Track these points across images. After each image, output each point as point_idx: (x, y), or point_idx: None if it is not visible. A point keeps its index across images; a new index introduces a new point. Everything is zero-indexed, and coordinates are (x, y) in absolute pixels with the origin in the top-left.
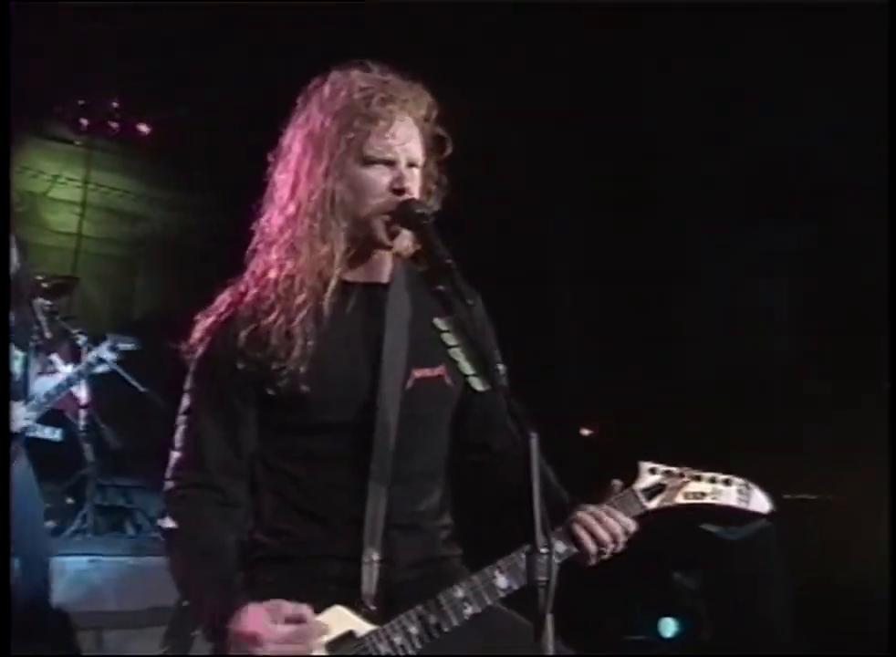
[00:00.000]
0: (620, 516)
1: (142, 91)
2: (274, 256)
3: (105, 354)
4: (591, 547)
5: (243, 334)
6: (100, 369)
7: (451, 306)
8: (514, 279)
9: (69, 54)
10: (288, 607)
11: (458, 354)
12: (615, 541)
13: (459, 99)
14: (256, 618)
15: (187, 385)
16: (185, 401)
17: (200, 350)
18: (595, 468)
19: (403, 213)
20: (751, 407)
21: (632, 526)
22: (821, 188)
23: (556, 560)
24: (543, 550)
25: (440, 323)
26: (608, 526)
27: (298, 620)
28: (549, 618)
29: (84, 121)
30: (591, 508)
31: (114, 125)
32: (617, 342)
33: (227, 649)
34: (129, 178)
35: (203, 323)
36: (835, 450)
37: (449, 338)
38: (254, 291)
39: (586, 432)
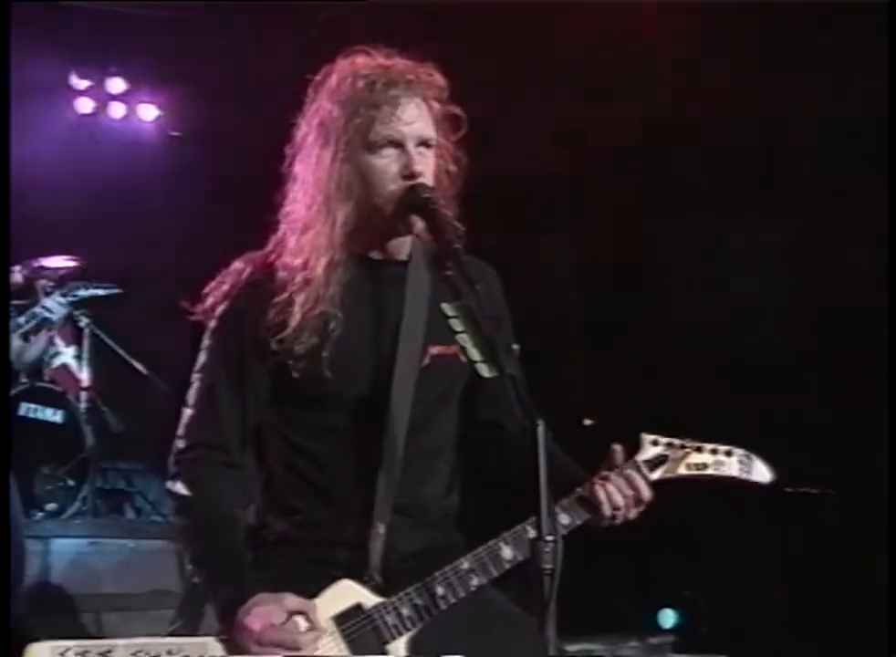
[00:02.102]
0: (636, 477)
1: (144, 73)
2: (291, 242)
3: (54, 302)
4: (606, 507)
5: (263, 309)
6: (51, 316)
7: (458, 291)
8: (506, 270)
9: (69, 33)
10: (294, 601)
11: (465, 340)
12: (628, 504)
13: (455, 72)
14: (263, 616)
15: (205, 342)
16: (201, 359)
17: (221, 309)
18: (597, 457)
19: (411, 199)
20: (747, 399)
21: (646, 491)
22: (814, 182)
23: (563, 530)
24: (549, 538)
25: (447, 308)
26: (619, 486)
27: (301, 612)
28: (553, 606)
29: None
30: (605, 472)
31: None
32: (613, 336)
33: (234, 633)
34: None
35: (222, 285)
36: (832, 442)
37: (456, 324)
38: (276, 272)
39: (588, 422)
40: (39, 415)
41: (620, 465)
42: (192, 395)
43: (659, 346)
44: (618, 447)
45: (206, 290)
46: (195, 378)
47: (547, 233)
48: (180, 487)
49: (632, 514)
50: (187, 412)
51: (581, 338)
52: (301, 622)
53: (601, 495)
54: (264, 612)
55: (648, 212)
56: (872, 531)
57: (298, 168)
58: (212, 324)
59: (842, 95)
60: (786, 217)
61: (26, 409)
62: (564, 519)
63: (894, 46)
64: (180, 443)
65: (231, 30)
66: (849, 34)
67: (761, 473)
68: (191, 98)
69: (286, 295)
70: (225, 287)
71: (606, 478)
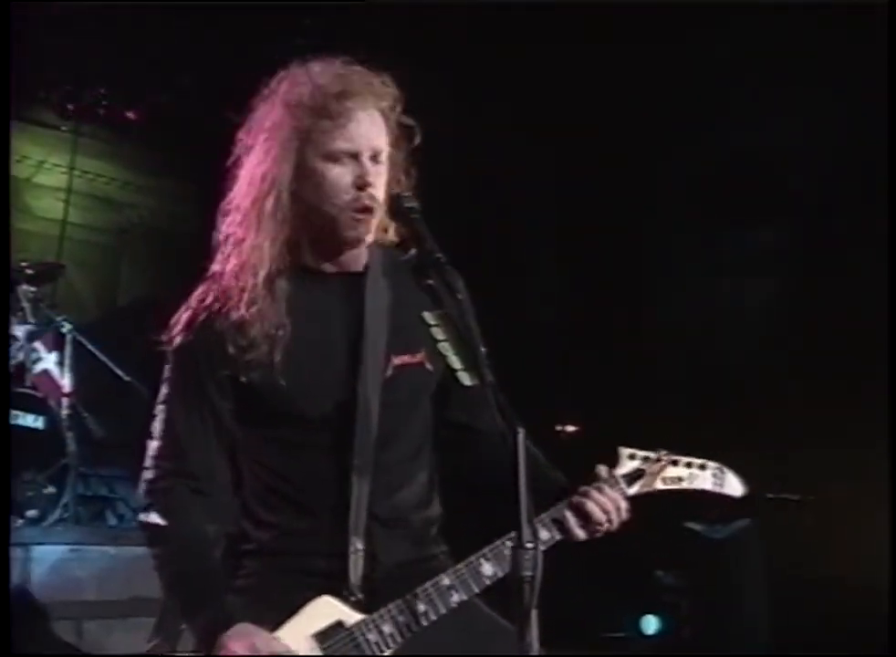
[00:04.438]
0: (614, 493)
1: (130, 77)
2: (244, 247)
3: None
4: (579, 532)
5: (216, 325)
6: None
7: (440, 300)
8: (491, 277)
9: (56, 38)
10: (264, 644)
11: (447, 349)
12: (609, 520)
13: (437, 87)
14: (244, 637)
15: (165, 374)
16: (163, 390)
17: (178, 341)
18: (577, 464)
19: (394, 207)
20: (727, 406)
21: (625, 508)
22: (797, 189)
23: (541, 546)
24: (528, 545)
25: (429, 317)
26: (600, 502)
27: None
28: (534, 613)
29: (70, 107)
30: (584, 488)
31: (101, 111)
32: (595, 341)
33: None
34: (115, 165)
35: (181, 315)
36: (815, 449)
37: (438, 333)
38: (228, 282)
39: (570, 428)
40: (20, 421)
41: (602, 479)
42: (155, 427)
43: (643, 352)
44: (603, 468)
45: (173, 320)
46: (158, 410)
47: (531, 240)
48: (154, 517)
49: (613, 527)
50: (152, 444)
51: (565, 344)
52: None
53: (587, 509)
54: (246, 635)
55: (633, 220)
56: (855, 534)
57: (246, 169)
58: (170, 357)
59: (841, 96)
60: (775, 224)
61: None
62: (544, 534)
63: (894, 46)
64: (148, 474)
65: (214, 36)
66: (849, 34)
67: (732, 486)
68: (171, 103)
69: (232, 312)
70: (186, 316)
71: (586, 494)
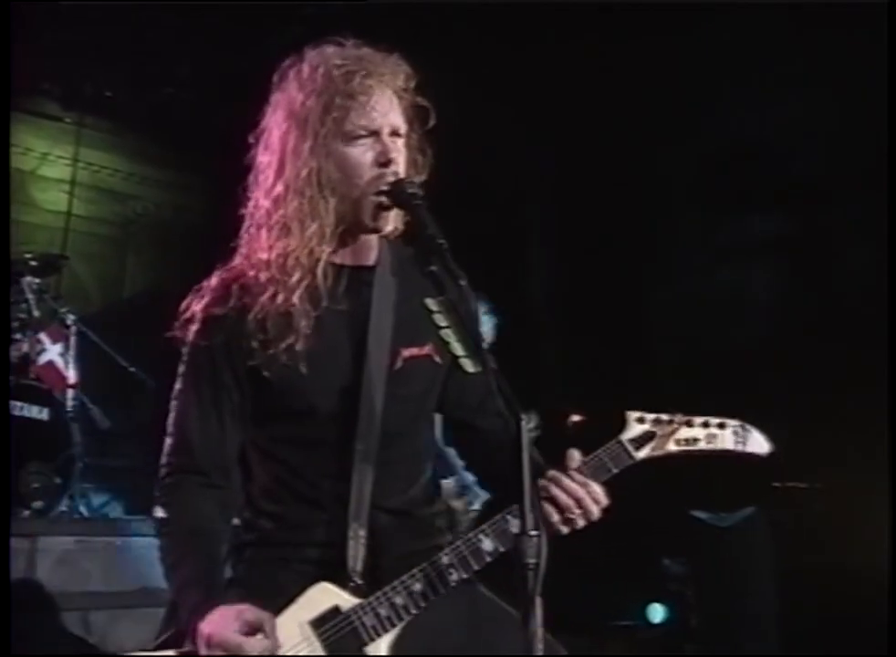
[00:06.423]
0: (583, 478)
1: (133, 69)
2: (264, 238)
3: None
4: (553, 515)
5: (240, 317)
6: None
7: (442, 286)
8: (491, 265)
9: (58, 30)
10: (251, 613)
11: (449, 335)
12: (581, 506)
13: (440, 71)
14: (216, 621)
15: (180, 369)
16: (178, 385)
17: (192, 335)
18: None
19: (395, 193)
20: (730, 394)
21: (600, 491)
22: (798, 177)
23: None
24: (532, 532)
25: (431, 304)
26: (568, 488)
27: (257, 627)
28: (538, 601)
29: (74, 98)
30: (551, 472)
31: (104, 103)
32: (597, 330)
33: (194, 639)
34: (119, 156)
35: (195, 306)
36: (819, 436)
37: (440, 319)
38: (249, 274)
39: (576, 418)
40: (25, 413)
41: (575, 468)
42: (170, 423)
43: (644, 340)
44: (575, 452)
45: (182, 307)
46: (172, 405)
47: (532, 229)
48: (158, 511)
49: (593, 516)
50: (167, 440)
51: (566, 333)
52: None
53: (552, 493)
54: (218, 617)
55: (635, 207)
56: (861, 523)
57: (266, 158)
58: (185, 351)
59: (841, 96)
60: (776, 211)
61: (11, 406)
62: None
63: (894, 46)
64: (161, 471)
65: (217, 26)
66: (849, 34)
67: (758, 444)
68: (175, 94)
69: (260, 299)
70: (198, 308)
71: (553, 479)
